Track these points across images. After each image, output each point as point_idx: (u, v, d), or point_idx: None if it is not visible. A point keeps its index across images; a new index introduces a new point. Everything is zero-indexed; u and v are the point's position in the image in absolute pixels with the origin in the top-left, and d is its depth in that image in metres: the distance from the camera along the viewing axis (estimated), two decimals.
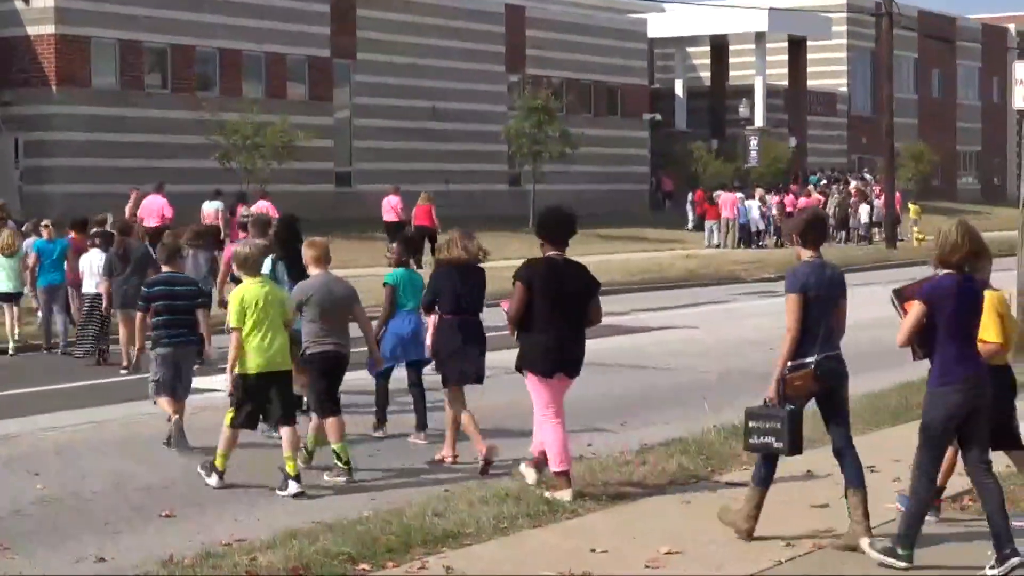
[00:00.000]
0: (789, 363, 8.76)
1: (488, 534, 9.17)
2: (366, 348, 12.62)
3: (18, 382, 17.66)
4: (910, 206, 54.49)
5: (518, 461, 11.01)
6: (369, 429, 13.50)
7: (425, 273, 13.74)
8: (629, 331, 22.95)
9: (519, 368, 10.49)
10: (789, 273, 8.99)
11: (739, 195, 48.99)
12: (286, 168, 41.00)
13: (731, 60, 71.58)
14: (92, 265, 19.22)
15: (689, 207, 53.91)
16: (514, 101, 51.43)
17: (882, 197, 50.73)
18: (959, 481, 10.32)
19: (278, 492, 11.02)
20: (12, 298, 20.89)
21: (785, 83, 70.53)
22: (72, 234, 21.32)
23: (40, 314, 21.10)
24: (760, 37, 66.61)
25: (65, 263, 20.75)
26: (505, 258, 21.63)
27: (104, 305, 18.44)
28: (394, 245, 13.99)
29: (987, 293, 8.97)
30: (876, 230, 51.25)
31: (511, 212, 48.48)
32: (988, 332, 9.06)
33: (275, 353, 11.26)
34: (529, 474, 10.57)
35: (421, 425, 13.25)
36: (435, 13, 51.55)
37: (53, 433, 13.95)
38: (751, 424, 8.90)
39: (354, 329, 12.33)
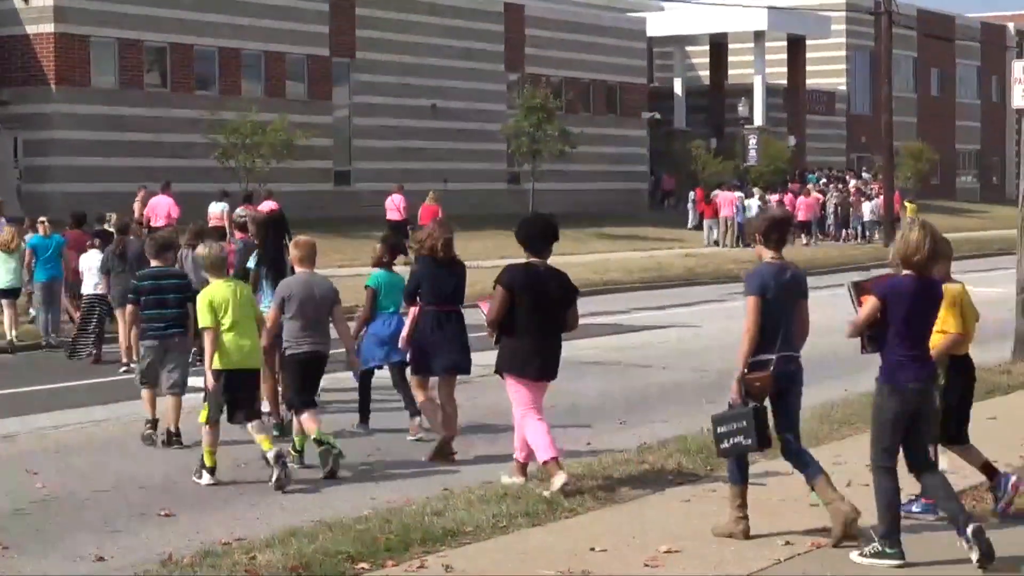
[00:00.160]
0: (749, 362, 8.84)
1: (487, 533, 9.16)
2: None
3: (18, 381, 17.66)
4: (906, 205, 54.48)
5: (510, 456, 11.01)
6: (354, 427, 13.62)
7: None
8: (628, 330, 22.95)
9: (499, 371, 10.70)
10: (748, 274, 9.07)
11: (738, 194, 48.97)
12: (285, 167, 41.00)
13: (730, 59, 71.59)
14: (92, 265, 19.27)
15: (690, 206, 53.90)
16: (513, 100, 51.43)
17: (881, 196, 50.75)
18: (959, 480, 10.33)
19: (272, 487, 11.05)
20: (11, 294, 20.95)
21: (784, 82, 70.53)
22: (68, 230, 21.37)
23: (33, 311, 21.13)
24: (759, 36, 66.61)
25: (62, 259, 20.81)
26: (503, 256, 21.62)
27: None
28: (378, 246, 14.04)
29: (946, 286, 9.06)
30: (878, 229, 51.26)
31: (510, 211, 48.35)
32: (948, 323, 9.20)
33: (249, 350, 11.55)
34: (516, 481, 10.63)
35: (414, 413, 13.32)
36: (434, 12, 51.55)
37: (52, 432, 13.96)
38: (720, 430, 8.98)
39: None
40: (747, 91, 66.27)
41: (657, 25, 65.65)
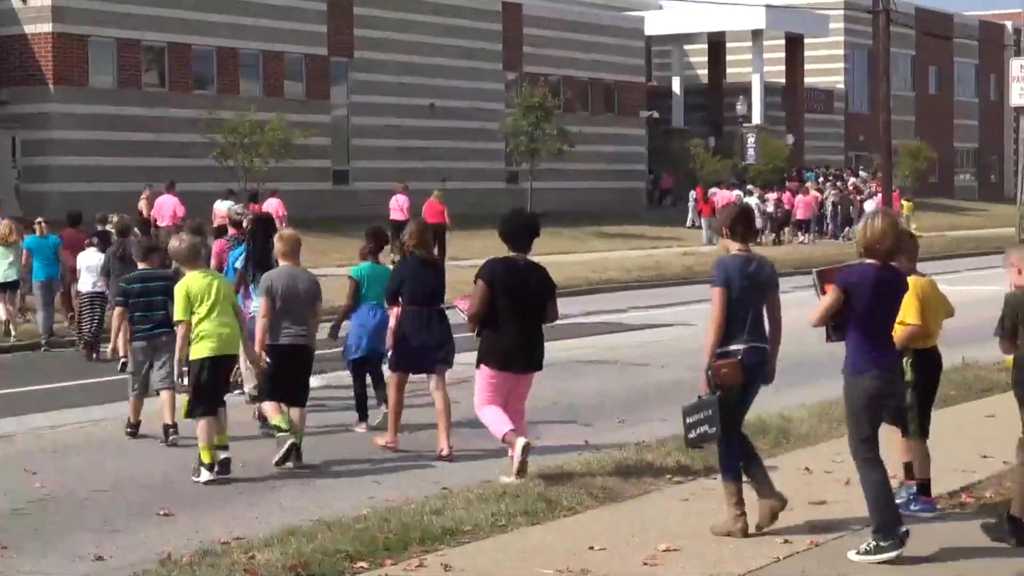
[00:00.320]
0: (716, 353, 8.88)
1: (486, 532, 9.17)
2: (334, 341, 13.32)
3: (16, 381, 17.66)
4: (903, 203, 54.50)
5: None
6: (353, 427, 13.63)
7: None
8: (627, 328, 22.93)
9: (480, 364, 10.86)
10: (714, 266, 9.10)
11: (736, 192, 48.97)
12: (284, 166, 41.00)
13: (728, 57, 71.63)
14: (88, 264, 19.34)
15: (691, 204, 53.88)
16: (511, 99, 51.45)
17: (879, 194, 50.68)
18: (958, 478, 10.34)
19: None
20: (10, 287, 21.00)
21: (782, 80, 70.58)
22: (64, 230, 21.42)
23: (36, 311, 21.17)
24: (757, 35, 66.66)
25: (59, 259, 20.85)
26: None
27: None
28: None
29: (911, 279, 9.11)
30: None
31: (509, 210, 48.37)
32: (908, 314, 9.20)
33: (228, 337, 11.64)
34: (514, 480, 10.63)
35: (382, 400, 13.40)
36: (432, 11, 51.56)
37: (50, 432, 13.97)
38: (688, 420, 9.07)
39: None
40: (745, 90, 66.31)
41: (655, 24, 65.69)
